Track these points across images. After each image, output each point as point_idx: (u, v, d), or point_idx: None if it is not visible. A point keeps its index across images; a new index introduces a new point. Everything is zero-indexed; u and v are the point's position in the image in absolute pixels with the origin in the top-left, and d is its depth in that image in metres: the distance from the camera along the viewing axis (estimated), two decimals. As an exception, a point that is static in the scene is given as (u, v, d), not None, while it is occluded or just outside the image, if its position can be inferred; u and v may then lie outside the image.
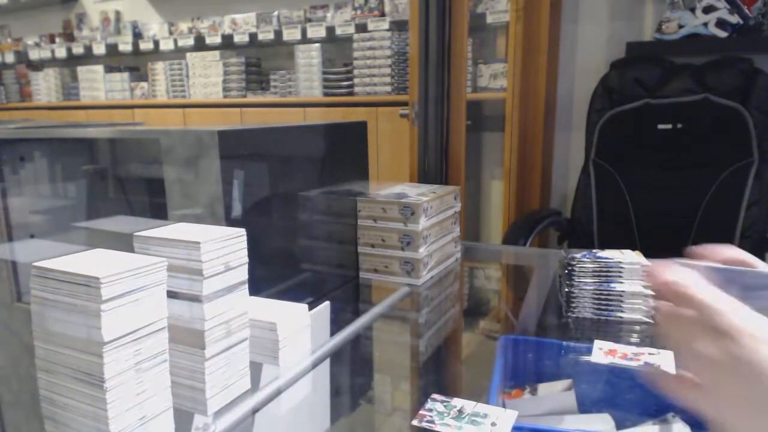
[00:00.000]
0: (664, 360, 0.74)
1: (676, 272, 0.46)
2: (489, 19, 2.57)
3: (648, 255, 1.25)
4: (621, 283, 0.97)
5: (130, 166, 1.24)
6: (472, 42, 2.55)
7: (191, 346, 0.61)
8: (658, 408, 0.72)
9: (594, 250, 1.04)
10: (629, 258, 0.99)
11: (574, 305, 0.99)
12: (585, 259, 0.99)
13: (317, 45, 3.04)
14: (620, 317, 0.97)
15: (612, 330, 0.95)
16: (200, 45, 3.51)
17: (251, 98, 3.32)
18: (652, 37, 2.02)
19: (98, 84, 3.93)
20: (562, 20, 2.27)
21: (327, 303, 0.85)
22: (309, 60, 3.06)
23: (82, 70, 3.99)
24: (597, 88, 1.87)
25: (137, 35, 3.85)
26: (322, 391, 0.81)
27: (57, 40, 4.25)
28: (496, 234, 2.67)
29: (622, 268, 0.98)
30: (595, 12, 2.22)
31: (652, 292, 0.48)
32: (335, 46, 3.12)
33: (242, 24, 3.39)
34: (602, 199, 1.86)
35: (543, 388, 0.77)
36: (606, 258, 0.99)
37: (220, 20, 3.50)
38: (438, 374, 0.93)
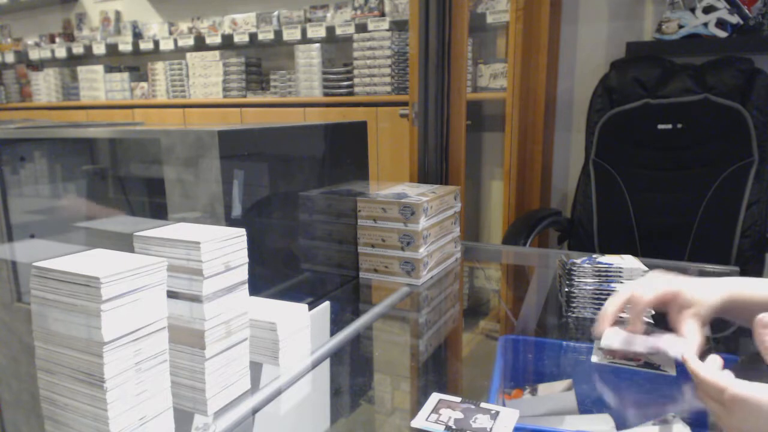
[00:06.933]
0: (665, 360, 0.74)
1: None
2: (489, 19, 2.57)
3: (648, 255, 1.25)
4: (621, 282, 0.97)
5: (130, 166, 1.24)
6: (472, 42, 2.55)
7: (191, 346, 0.61)
8: (658, 408, 0.72)
9: (594, 256, 1.04)
10: (629, 263, 0.99)
11: (574, 305, 0.99)
12: (585, 265, 0.99)
13: (317, 45, 3.04)
14: (620, 317, 0.97)
15: (612, 330, 0.94)
16: (200, 45, 3.51)
17: (251, 98, 3.32)
18: (652, 37, 2.02)
19: (98, 84, 3.93)
20: (562, 20, 2.26)
21: (327, 303, 0.85)
22: (309, 60, 3.06)
23: (82, 70, 3.99)
24: (597, 88, 1.87)
25: (137, 35, 3.85)
26: (322, 391, 0.81)
27: (57, 40, 4.24)
28: (496, 234, 2.67)
29: (622, 268, 0.98)
30: (595, 12, 2.22)
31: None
32: (335, 46, 3.12)
33: (242, 24, 3.39)
34: (602, 199, 1.86)
35: (543, 388, 0.77)
36: (607, 263, 0.99)
37: (220, 20, 3.50)
38: (438, 374, 0.92)
